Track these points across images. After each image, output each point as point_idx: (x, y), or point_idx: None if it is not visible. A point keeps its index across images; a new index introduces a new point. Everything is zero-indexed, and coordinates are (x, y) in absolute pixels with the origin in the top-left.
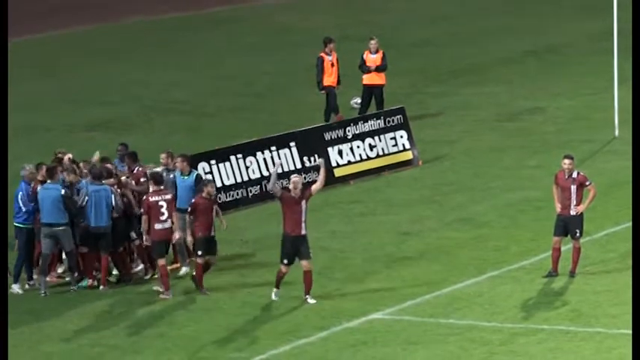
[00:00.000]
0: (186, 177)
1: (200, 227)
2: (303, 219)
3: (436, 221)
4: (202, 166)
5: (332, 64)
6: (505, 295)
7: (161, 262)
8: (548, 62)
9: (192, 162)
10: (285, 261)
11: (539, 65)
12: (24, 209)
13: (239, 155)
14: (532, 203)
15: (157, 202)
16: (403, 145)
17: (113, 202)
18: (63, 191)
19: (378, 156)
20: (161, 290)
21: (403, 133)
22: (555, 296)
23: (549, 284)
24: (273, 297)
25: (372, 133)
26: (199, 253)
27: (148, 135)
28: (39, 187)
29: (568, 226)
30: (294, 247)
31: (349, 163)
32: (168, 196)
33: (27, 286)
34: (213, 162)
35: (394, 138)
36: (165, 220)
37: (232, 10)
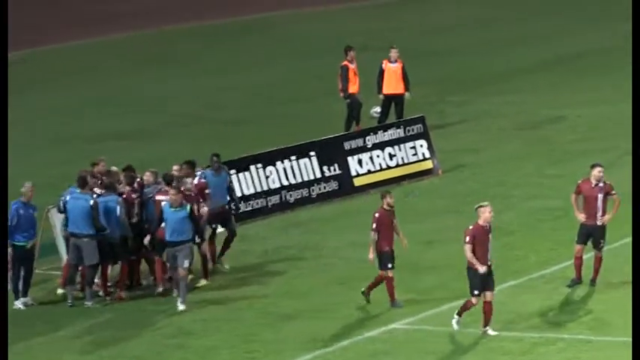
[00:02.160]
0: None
1: (385, 241)
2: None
3: (457, 230)
4: None
5: (355, 73)
6: (525, 305)
7: (159, 260)
8: (571, 70)
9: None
10: (476, 292)
11: (562, 73)
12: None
13: (259, 165)
14: (552, 212)
15: (162, 201)
16: (423, 154)
17: (118, 213)
18: (91, 202)
19: (397, 165)
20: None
21: (423, 142)
22: (575, 305)
23: (569, 294)
24: (455, 326)
25: (391, 143)
26: (389, 266)
27: (176, 144)
28: (68, 197)
29: (593, 236)
30: (484, 278)
31: (369, 172)
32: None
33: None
34: (233, 171)
35: (414, 147)
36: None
37: (264, 18)
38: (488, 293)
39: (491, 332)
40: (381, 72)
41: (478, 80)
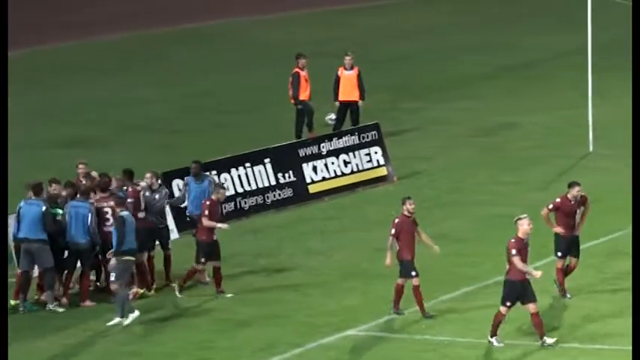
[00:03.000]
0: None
1: (407, 248)
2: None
3: None
4: (176, 183)
5: (306, 80)
6: (480, 311)
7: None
8: (524, 77)
9: (167, 179)
10: (508, 304)
11: (515, 80)
12: None
13: (213, 172)
14: (506, 219)
15: (102, 207)
16: (378, 161)
17: (89, 221)
18: (43, 207)
19: (352, 172)
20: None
21: (378, 149)
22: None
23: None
24: (495, 344)
25: (346, 150)
26: (413, 274)
27: (124, 152)
28: (22, 203)
29: (572, 247)
30: (519, 291)
31: (324, 179)
32: (112, 203)
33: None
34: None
35: (369, 154)
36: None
37: (209, 26)
38: (531, 305)
39: (549, 341)
40: (337, 79)
41: (432, 87)
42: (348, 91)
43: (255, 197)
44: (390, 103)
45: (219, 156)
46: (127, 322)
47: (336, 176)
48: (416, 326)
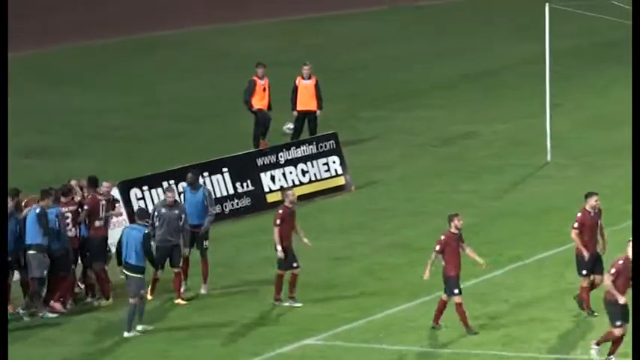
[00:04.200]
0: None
1: (451, 264)
2: None
3: (369, 247)
4: (135, 192)
5: (264, 89)
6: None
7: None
8: (483, 86)
9: (125, 188)
10: (618, 323)
11: (474, 89)
12: None
13: (171, 181)
14: (465, 228)
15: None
16: (336, 170)
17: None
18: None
19: (310, 181)
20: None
21: (336, 158)
22: (488, 321)
23: (482, 309)
24: (595, 356)
25: (304, 159)
26: (456, 292)
27: (84, 161)
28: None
29: (596, 264)
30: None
31: (282, 188)
32: (72, 207)
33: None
34: (145, 188)
35: (327, 163)
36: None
37: (168, 35)
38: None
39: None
40: (295, 89)
41: (390, 96)
42: (306, 101)
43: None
44: (349, 113)
45: (178, 165)
46: None
47: (294, 185)
48: (373, 335)
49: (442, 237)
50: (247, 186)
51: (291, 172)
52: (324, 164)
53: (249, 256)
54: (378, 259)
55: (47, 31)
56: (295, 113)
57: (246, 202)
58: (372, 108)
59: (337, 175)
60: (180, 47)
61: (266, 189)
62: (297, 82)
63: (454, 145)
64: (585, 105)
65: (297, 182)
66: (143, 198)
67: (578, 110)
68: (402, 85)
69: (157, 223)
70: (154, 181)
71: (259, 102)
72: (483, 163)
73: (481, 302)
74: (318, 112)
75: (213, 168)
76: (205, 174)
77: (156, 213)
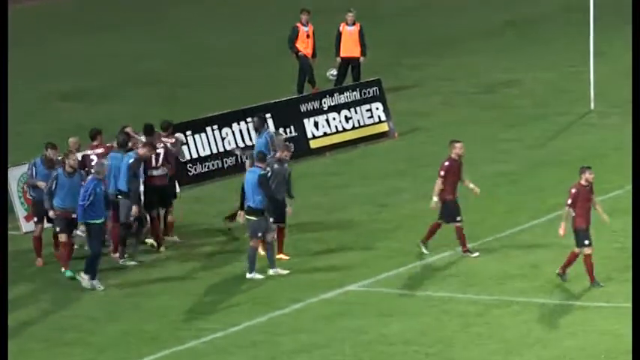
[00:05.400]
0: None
1: (582, 217)
2: None
3: (411, 193)
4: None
5: (307, 35)
6: (480, 268)
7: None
8: (526, 34)
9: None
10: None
11: (517, 37)
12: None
13: (214, 126)
14: (507, 176)
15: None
16: (379, 117)
17: None
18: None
19: (353, 128)
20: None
21: (379, 105)
22: (530, 269)
23: (524, 257)
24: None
25: (347, 105)
26: (586, 243)
27: (124, 105)
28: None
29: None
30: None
31: (325, 134)
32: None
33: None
34: (189, 133)
35: (370, 110)
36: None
37: None
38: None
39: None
40: (339, 35)
41: (434, 43)
42: (350, 47)
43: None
44: (392, 59)
45: (220, 110)
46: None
47: (337, 132)
48: (416, 282)
49: (573, 190)
50: (290, 132)
51: (334, 119)
52: (367, 110)
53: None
54: (420, 206)
55: None
56: (339, 60)
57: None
58: (415, 55)
59: (380, 122)
60: None
61: (309, 135)
62: (340, 28)
63: (496, 93)
64: (628, 54)
65: (340, 129)
66: (187, 143)
67: (621, 58)
68: (445, 32)
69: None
70: (197, 126)
71: (303, 49)
72: (525, 112)
73: (523, 250)
74: (361, 58)
75: (257, 113)
76: (249, 119)
77: (268, 168)
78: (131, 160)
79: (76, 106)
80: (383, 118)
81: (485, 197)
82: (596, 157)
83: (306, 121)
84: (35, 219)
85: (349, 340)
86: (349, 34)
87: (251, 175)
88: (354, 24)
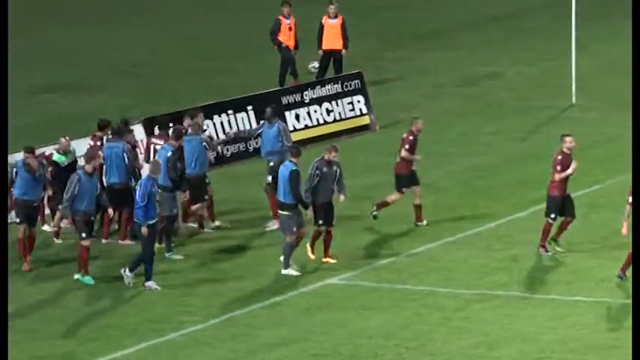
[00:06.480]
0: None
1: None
2: None
3: (392, 187)
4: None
5: (290, 28)
6: (461, 261)
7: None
8: (508, 27)
9: (149, 125)
10: (552, 215)
11: (500, 31)
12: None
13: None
14: (488, 169)
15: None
16: (360, 109)
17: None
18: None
19: (335, 121)
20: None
21: (360, 97)
22: (511, 263)
23: (505, 251)
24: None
25: (329, 98)
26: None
27: (110, 97)
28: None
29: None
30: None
31: (306, 127)
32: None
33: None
34: (172, 125)
35: (351, 103)
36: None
37: None
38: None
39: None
40: (321, 27)
41: (416, 36)
42: (332, 40)
43: (237, 144)
44: (374, 52)
45: (202, 102)
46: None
47: (319, 124)
48: (396, 275)
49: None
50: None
51: (315, 111)
52: (348, 103)
53: None
54: (401, 199)
55: None
56: (321, 52)
57: None
58: (397, 48)
59: (362, 115)
60: None
61: (290, 127)
62: (323, 21)
63: (478, 86)
64: (610, 49)
65: (321, 121)
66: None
67: (603, 53)
68: (427, 26)
69: (315, 181)
70: (178, 118)
71: (285, 41)
72: (507, 105)
73: (503, 243)
74: (343, 51)
75: (238, 106)
76: (230, 111)
77: (317, 171)
78: (169, 154)
79: (61, 97)
80: (364, 110)
81: (467, 190)
82: (577, 151)
83: (287, 113)
84: (18, 220)
85: (329, 333)
86: (331, 26)
87: (284, 169)
88: (336, 17)
